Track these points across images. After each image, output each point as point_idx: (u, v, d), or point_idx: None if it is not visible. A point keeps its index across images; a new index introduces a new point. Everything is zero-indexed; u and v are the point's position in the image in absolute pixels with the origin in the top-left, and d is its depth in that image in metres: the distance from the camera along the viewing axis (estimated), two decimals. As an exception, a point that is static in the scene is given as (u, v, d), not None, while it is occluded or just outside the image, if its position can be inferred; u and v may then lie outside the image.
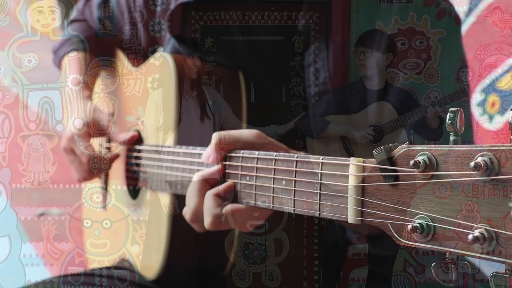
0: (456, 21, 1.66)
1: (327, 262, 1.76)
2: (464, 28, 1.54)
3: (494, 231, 0.50)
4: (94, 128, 1.50)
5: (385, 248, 1.77)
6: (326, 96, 1.84)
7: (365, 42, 1.76)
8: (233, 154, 0.96)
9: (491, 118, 1.41)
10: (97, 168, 1.50)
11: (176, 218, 1.39)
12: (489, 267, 1.49)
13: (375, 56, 1.75)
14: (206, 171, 1.05)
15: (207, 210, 1.02)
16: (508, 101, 1.41)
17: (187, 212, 1.08)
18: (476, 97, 1.46)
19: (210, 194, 1.03)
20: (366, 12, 1.73)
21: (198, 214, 1.05)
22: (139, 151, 1.47)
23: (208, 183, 1.04)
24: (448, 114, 0.59)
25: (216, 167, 1.04)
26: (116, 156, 1.52)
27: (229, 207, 0.99)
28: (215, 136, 1.03)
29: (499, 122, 1.39)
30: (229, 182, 1.01)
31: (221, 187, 1.02)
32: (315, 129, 1.77)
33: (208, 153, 1.05)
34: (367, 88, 1.78)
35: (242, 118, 1.64)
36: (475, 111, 1.44)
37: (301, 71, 1.78)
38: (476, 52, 1.46)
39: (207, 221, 1.02)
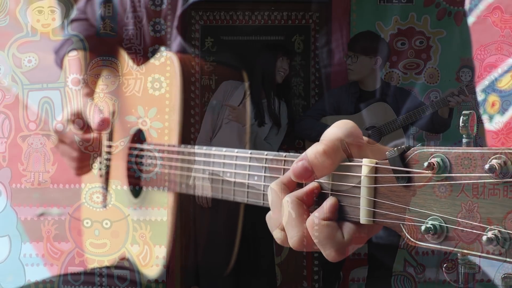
0: (456, 21, 1.68)
1: (327, 262, 1.76)
2: (464, 28, 1.55)
3: (508, 232, 0.50)
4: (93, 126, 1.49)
5: (385, 248, 1.78)
6: (321, 98, 1.85)
7: (352, 46, 1.77)
8: (241, 154, 0.95)
9: (491, 118, 1.41)
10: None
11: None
12: (489, 267, 1.50)
13: (360, 60, 1.75)
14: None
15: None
16: (508, 101, 1.41)
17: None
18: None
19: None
20: (366, 12, 1.74)
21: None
22: (141, 150, 1.47)
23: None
24: (462, 117, 0.59)
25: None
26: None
27: None
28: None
29: (499, 122, 1.40)
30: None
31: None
32: (311, 132, 1.77)
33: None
34: (362, 89, 1.79)
35: (245, 117, 1.64)
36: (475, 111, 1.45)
37: (301, 71, 1.79)
38: (476, 52, 1.47)
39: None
